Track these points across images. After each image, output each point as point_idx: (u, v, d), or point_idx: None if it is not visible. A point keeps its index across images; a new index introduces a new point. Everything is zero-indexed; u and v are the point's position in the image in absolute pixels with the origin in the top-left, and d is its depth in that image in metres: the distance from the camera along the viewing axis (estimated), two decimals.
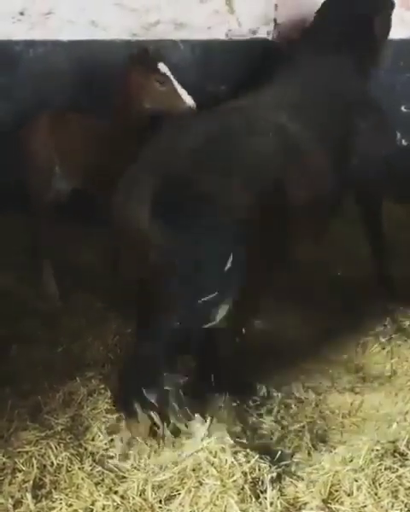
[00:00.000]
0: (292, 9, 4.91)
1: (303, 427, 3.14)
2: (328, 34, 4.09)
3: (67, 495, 2.62)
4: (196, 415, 2.93)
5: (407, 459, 2.71)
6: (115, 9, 4.59)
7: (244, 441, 2.90)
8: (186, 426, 2.91)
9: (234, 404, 3.19)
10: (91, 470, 2.76)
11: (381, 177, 4.08)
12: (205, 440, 2.78)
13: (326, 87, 3.79)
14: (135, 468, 2.81)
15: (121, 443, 2.89)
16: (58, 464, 2.73)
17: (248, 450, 2.76)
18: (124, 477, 2.75)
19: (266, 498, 2.59)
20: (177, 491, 2.65)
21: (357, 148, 3.74)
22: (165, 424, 2.89)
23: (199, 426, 2.88)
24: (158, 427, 2.88)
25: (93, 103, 4.30)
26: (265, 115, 3.36)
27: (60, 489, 2.67)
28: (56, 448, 2.78)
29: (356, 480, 2.65)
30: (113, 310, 3.84)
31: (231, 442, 2.78)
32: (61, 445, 2.81)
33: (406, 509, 2.56)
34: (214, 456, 2.70)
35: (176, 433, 2.91)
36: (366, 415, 3.24)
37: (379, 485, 2.64)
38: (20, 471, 2.71)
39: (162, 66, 3.76)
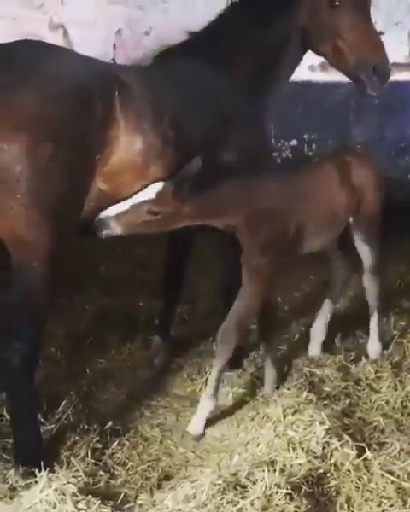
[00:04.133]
0: (131, 50, 4.98)
1: (149, 466, 3.13)
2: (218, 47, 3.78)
3: None
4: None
5: (247, 491, 2.75)
6: None
7: (88, 487, 2.85)
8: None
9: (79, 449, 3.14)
10: None
11: None
12: (44, 491, 2.68)
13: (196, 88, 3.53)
14: None
15: None
16: None
17: (89, 497, 2.70)
18: None
19: None
20: None
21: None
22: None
23: (38, 476, 2.79)
24: None
25: None
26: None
27: None
28: None
29: None
30: None
31: (72, 490, 2.71)
32: None
33: None
34: (54, 507, 2.62)
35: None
36: (210, 447, 3.30)
37: None
38: None
39: None
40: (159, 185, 3.15)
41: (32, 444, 3.03)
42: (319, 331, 4.07)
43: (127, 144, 3.12)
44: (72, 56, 3.23)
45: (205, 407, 3.37)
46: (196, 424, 3.37)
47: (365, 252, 3.95)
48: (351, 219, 3.81)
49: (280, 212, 3.41)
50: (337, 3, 3.84)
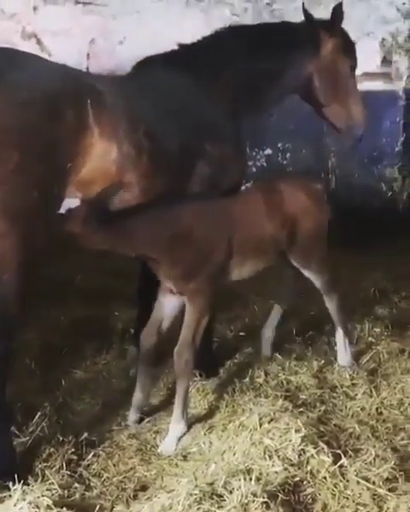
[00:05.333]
0: (104, 60, 5.01)
1: (124, 477, 3.11)
2: (201, 59, 3.81)
3: None
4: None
5: (223, 500, 2.75)
6: None
7: (63, 499, 2.82)
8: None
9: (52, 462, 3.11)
10: None
11: None
12: (18, 505, 2.65)
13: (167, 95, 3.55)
14: None
15: None
16: None
17: (64, 510, 2.68)
18: None
19: None
20: None
21: (197, 170, 3.56)
22: None
23: (12, 489, 2.76)
24: None
25: None
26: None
27: None
28: None
29: None
30: None
31: (47, 503, 2.68)
32: None
33: None
34: None
35: None
36: (186, 456, 3.26)
37: None
38: None
39: None
40: (76, 204, 3.05)
41: (5, 457, 2.99)
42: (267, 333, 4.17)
43: (102, 152, 3.10)
44: (43, 64, 3.18)
45: (176, 430, 3.35)
46: (167, 445, 3.33)
47: (310, 277, 3.92)
48: (286, 249, 3.72)
49: (202, 237, 3.33)
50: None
